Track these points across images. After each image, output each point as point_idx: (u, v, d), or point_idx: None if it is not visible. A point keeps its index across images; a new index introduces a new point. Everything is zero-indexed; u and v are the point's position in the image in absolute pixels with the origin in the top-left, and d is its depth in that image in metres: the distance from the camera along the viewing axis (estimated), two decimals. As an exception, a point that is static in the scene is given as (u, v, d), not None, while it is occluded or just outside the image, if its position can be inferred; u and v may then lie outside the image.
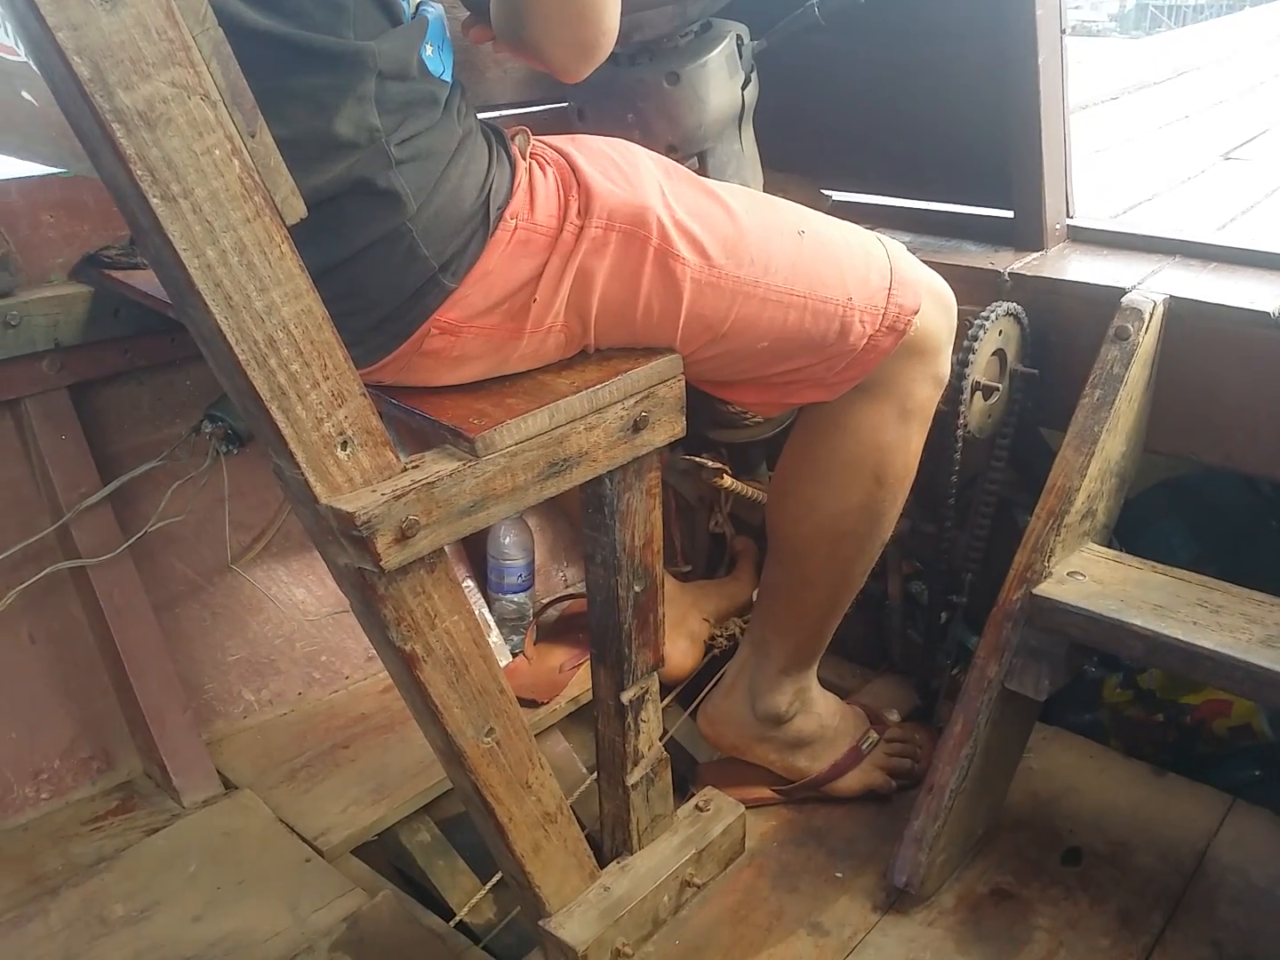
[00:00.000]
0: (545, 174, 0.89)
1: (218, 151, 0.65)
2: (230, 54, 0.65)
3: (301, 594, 1.49)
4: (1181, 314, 1.23)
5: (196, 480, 1.31)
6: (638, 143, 1.24)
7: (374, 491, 0.77)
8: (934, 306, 1.05)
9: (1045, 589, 1.13)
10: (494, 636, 1.53)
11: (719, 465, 1.43)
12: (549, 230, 0.87)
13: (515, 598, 1.56)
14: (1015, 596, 1.16)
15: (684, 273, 0.91)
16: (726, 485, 1.44)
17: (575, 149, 0.92)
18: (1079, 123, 2.57)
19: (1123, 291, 1.26)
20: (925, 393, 1.09)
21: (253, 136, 0.67)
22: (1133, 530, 1.54)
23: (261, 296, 0.69)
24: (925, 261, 1.39)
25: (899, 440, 1.08)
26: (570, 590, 1.68)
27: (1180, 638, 1.04)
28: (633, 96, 1.24)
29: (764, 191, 1.39)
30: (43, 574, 1.22)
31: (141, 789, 1.30)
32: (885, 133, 1.58)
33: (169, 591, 1.37)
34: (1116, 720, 1.56)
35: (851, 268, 0.99)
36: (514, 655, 1.54)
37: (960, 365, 1.25)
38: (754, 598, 1.60)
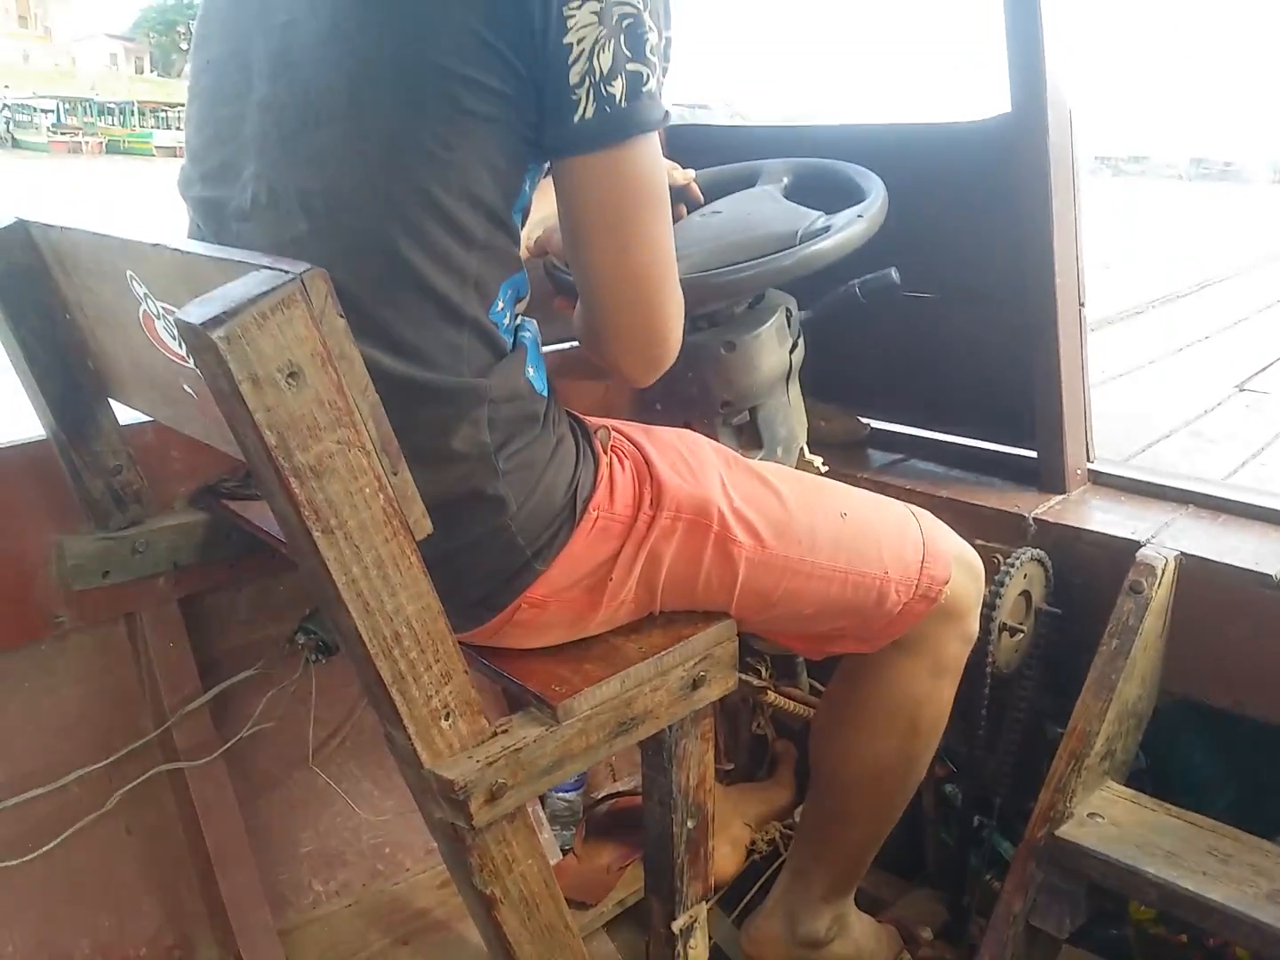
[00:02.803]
0: (623, 467, 1.03)
1: (367, 489, 0.80)
2: (383, 412, 0.80)
3: (369, 787, 1.60)
4: (1192, 570, 1.35)
5: (287, 688, 1.44)
6: (695, 397, 1.40)
7: (470, 758, 0.89)
8: (963, 574, 1.17)
9: (1066, 831, 1.22)
10: (545, 833, 1.63)
11: (763, 683, 1.54)
12: (625, 518, 1.01)
13: (567, 796, 1.66)
14: (1039, 835, 1.25)
15: (740, 553, 1.04)
16: (770, 700, 1.55)
17: (649, 442, 1.07)
18: (1106, 339, 2.75)
19: (1138, 545, 1.38)
20: (955, 650, 1.20)
21: (395, 475, 0.82)
22: (1159, 744, 1.61)
23: (392, 600, 0.83)
24: (954, 500, 1.52)
25: (931, 693, 1.20)
26: (619, 786, 1.77)
27: (1190, 889, 1.13)
28: (694, 359, 1.40)
29: (808, 419, 1.54)
30: (146, 776, 1.34)
31: (217, 978, 1.39)
32: (918, 373, 1.74)
33: (253, 785, 1.48)
34: (1142, 938, 1.60)
35: (888, 544, 1.12)
36: (564, 852, 1.63)
37: (988, 608, 1.36)
38: (793, 801, 1.69)
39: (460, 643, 0.92)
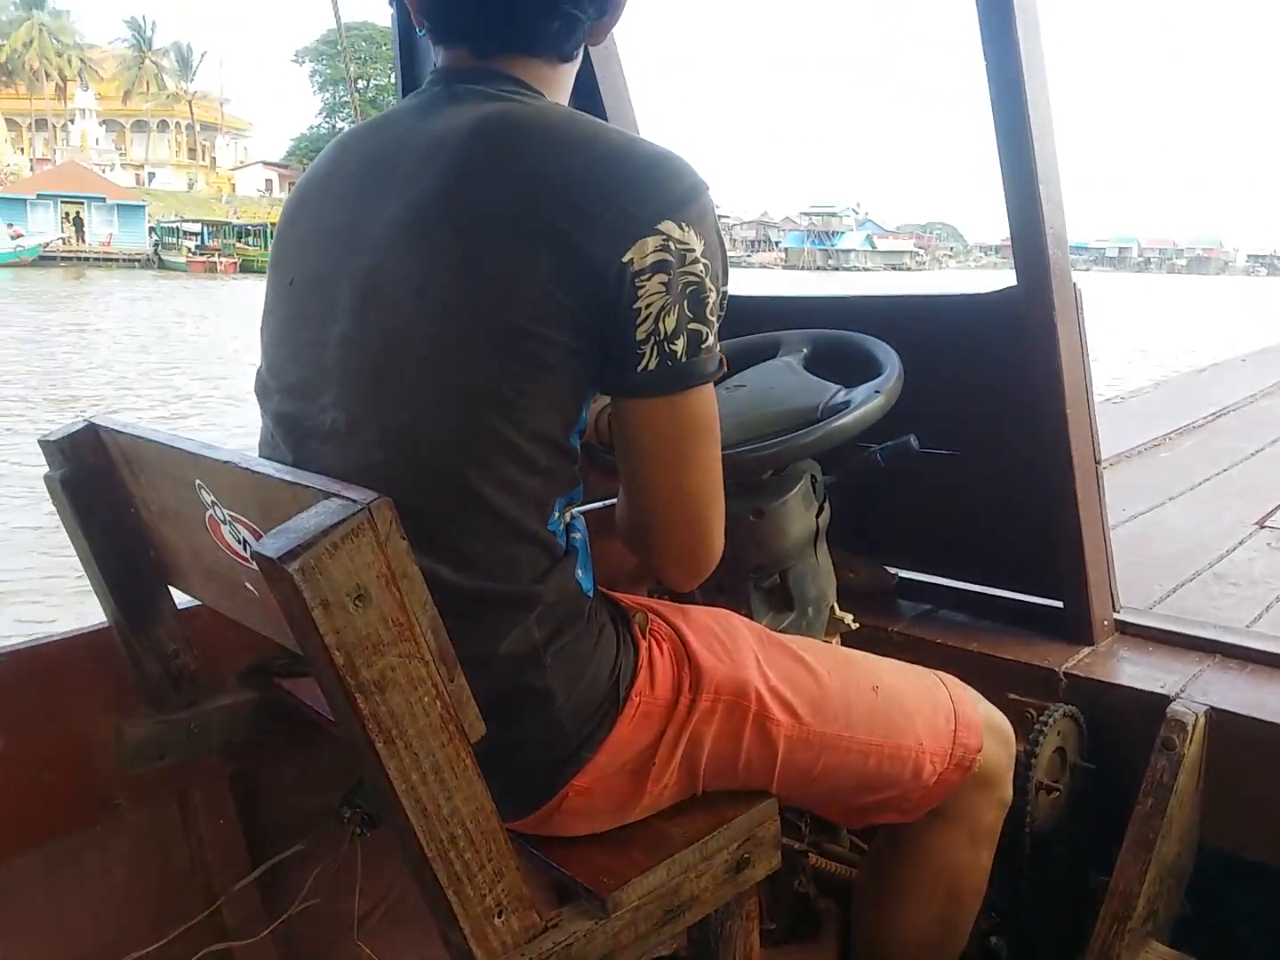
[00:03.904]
0: (662, 651, 1.08)
1: (426, 698, 0.84)
2: (440, 624, 0.86)
3: (413, 960, 1.60)
4: (1222, 724, 1.36)
5: (333, 864, 1.45)
6: (727, 562, 1.45)
7: (523, 956, 0.91)
8: (994, 742, 1.20)
9: None
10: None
11: (804, 846, 1.54)
12: (666, 702, 1.05)
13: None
14: (1087, 1002, 1.24)
15: (778, 732, 1.08)
16: (812, 864, 1.56)
17: (685, 623, 1.12)
18: (1124, 473, 2.79)
19: (1168, 700, 1.40)
20: (992, 817, 1.22)
21: (452, 682, 0.87)
22: (1203, 892, 1.59)
23: (448, 803, 0.86)
24: (984, 655, 1.55)
25: (970, 861, 1.21)
26: (661, 951, 1.76)
27: None
28: (725, 528, 1.45)
29: (834, 571, 1.58)
30: (197, 958, 1.35)
31: None
32: (943, 525, 1.78)
33: (298, 960, 1.49)
34: None
35: (920, 715, 1.15)
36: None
37: (1024, 767, 1.38)
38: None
39: (508, 831, 0.95)
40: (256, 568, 1.07)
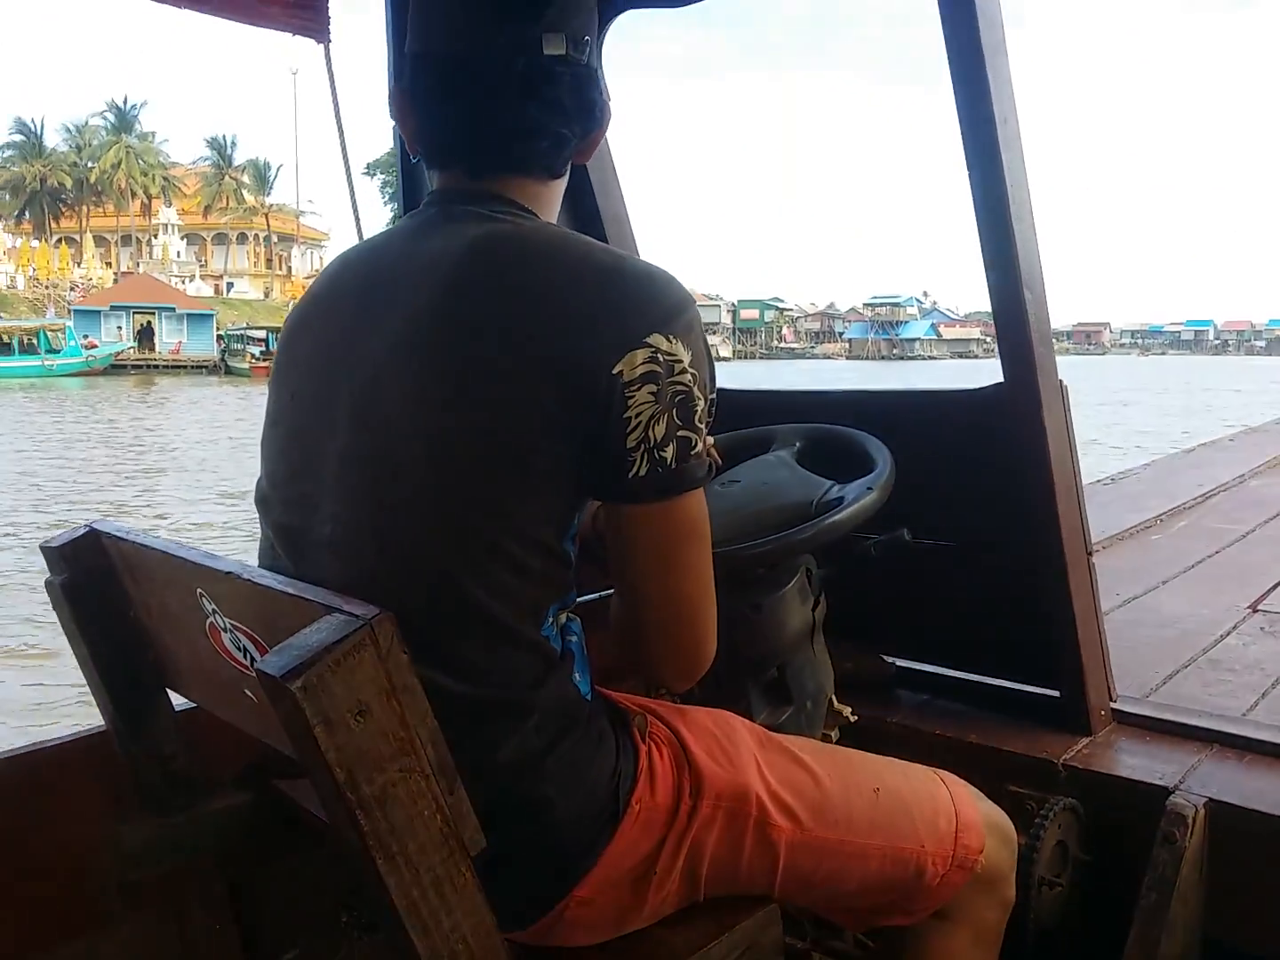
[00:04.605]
0: (662, 755, 1.08)
1: (426, 812, 0.84)
2: (440, 736, 0.86)
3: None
4: (1223, 816, 1.36)
5: (331, 968, 1.43)
6: (724, 656, 1.46)
7: (526, 1072, 0.90)
8: (995, 841, 1.20)
9: None
10: None
11: (807, 946, 1.52)
12: (666, 809, 1.05)
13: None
14: None
15: (779, 837, 1.08)
16: (814, 961, 1.54)
17: (684, 726, 1.12)
18: (1117, 556, 2.81)
19: (1167, 791, 1.39)
20: (994, 916, 1.21)
21: (451, 794, 0.87)
22: None
23: (449, 917, 0.86)
24: (983, 746, 1.54)
25: (974, 963, 1.20)
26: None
27: None
28: (722, 623, 1.46)
29: (832, 663, 1.58)
30: None
31: None
32: (938, 614, 1.79)
33: (294, 1070, 1.46)
34: None
35: (921, 816, 1.15)
36: None
37: (1025, 862, 1.37)
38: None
39: (509, 941, 0.94)
40: (254, 675, 1.07)
